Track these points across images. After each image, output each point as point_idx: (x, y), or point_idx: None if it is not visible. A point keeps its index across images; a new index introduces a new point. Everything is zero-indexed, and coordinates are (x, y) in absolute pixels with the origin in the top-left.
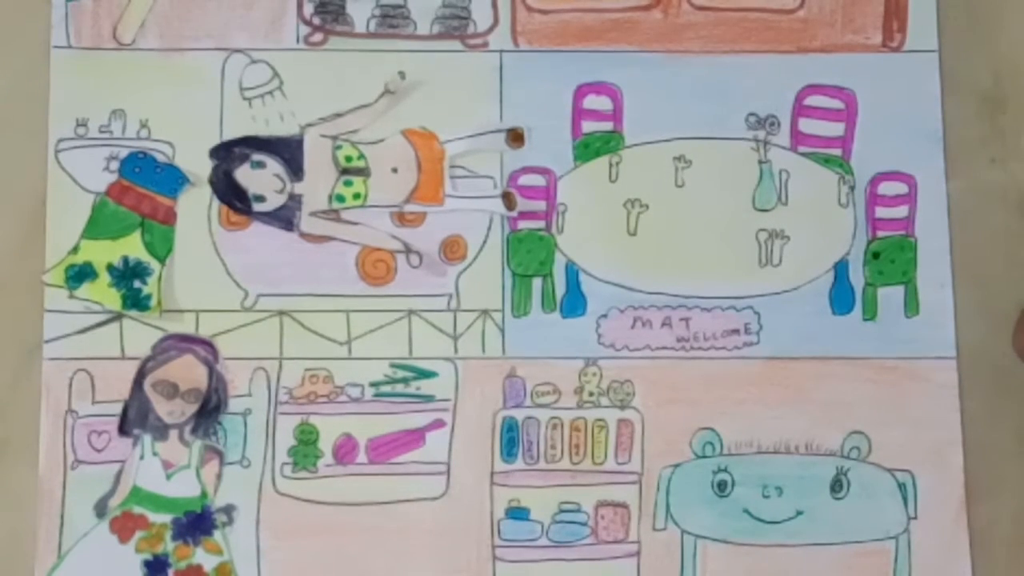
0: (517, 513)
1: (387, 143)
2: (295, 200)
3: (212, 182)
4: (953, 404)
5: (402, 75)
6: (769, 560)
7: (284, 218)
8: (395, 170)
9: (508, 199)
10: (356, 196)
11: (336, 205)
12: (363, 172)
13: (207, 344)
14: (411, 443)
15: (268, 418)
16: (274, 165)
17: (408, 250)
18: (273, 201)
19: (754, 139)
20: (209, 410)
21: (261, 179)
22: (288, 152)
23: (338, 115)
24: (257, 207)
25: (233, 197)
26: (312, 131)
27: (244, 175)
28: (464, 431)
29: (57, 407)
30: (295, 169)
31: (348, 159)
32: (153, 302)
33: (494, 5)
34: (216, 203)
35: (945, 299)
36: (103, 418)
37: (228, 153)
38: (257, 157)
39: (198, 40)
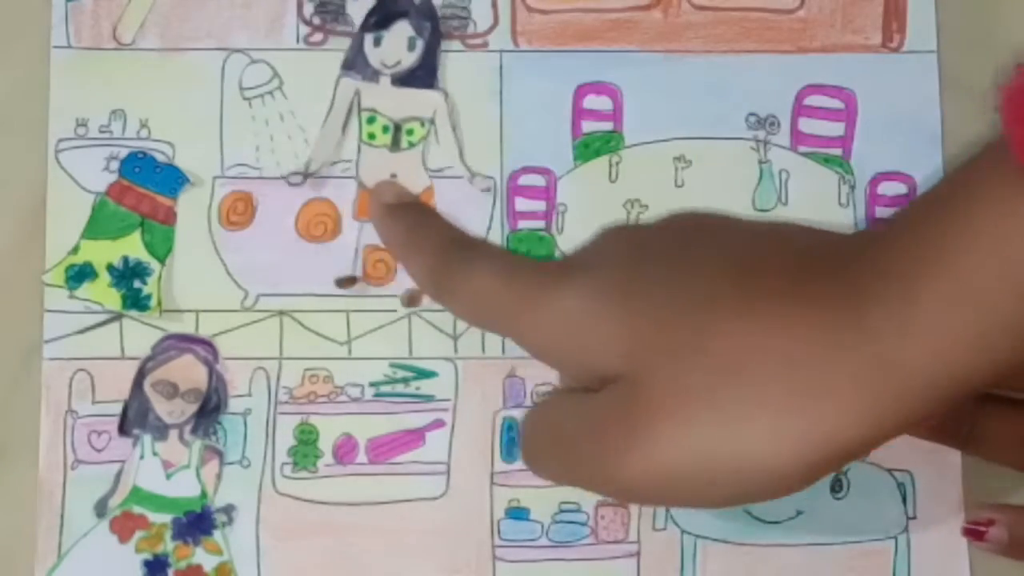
0: (517, 513)
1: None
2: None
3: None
4: None
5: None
6: (769, 560)
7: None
8: (394, 176)
9: (346, 283)
10: (371, 136)
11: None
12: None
13: (207, 344)
14: (411, 443)
15: (268, 418)
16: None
17: None
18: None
19: (754, 139)
20: (209, 410)
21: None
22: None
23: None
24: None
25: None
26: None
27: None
28: (464, 431)
29: (57, 407)
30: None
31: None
32: (153, 302)
33: (494, 5)
34: (216, 203)
35: None
36: (103, 418)
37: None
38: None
39: (198, 40)
